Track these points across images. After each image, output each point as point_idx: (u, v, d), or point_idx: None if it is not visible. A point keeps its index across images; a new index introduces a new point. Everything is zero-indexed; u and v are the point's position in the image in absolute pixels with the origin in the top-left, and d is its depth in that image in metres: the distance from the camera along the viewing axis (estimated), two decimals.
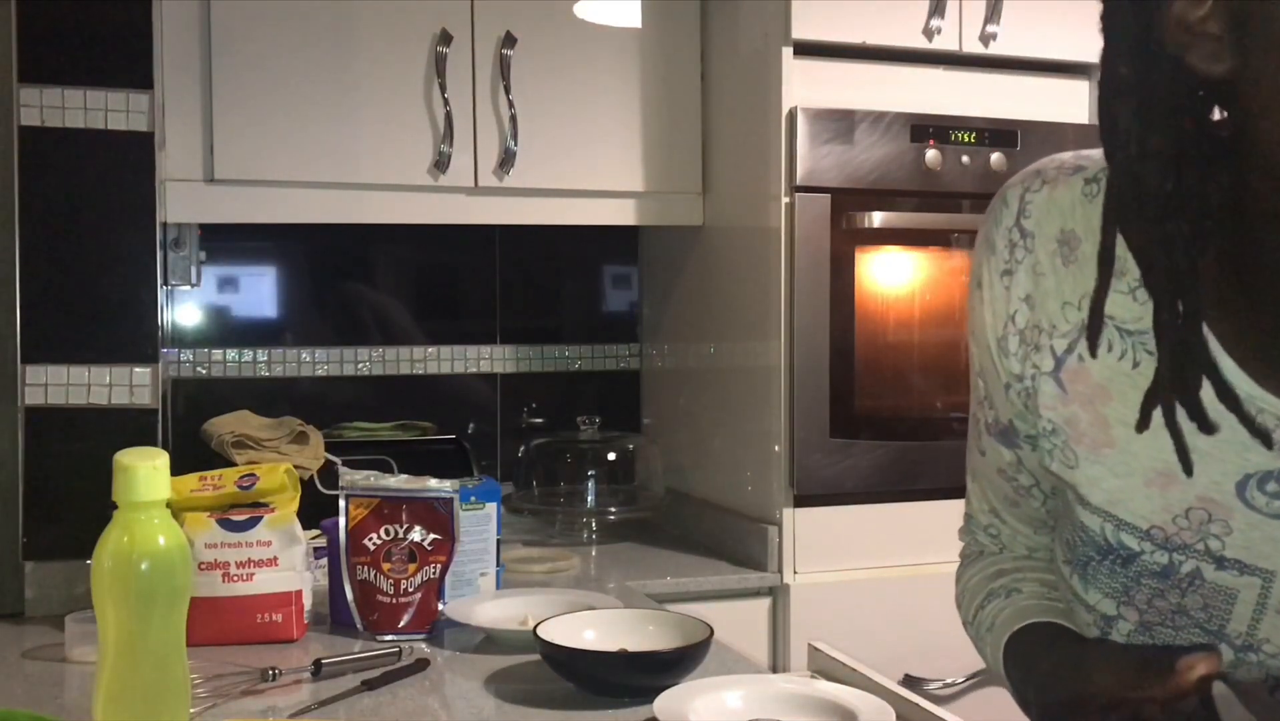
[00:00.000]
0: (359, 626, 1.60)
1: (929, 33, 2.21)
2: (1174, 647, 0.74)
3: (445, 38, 2.21)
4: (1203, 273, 0.71)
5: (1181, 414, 0.72)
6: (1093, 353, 0.77)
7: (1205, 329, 0.72)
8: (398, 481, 1.66)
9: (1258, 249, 0.72)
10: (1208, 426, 0.72)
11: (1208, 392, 0.71)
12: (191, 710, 1.17)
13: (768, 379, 2.18)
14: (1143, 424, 0.74)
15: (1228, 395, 0.71)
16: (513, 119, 2.25)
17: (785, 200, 2.13)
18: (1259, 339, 0.73)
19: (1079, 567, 0.85)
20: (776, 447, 2.15)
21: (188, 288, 2.39)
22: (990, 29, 2.24)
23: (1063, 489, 0.85)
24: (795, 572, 2.14)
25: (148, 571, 1.05)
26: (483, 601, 1.66)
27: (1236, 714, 0.71)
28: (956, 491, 2.46)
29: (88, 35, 1.80)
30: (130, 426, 1.80)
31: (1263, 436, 0.72)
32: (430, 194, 2.24)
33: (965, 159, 2.22)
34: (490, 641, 1.56)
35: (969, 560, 1.06)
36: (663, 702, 1.21)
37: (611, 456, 2.51)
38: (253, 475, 1.64)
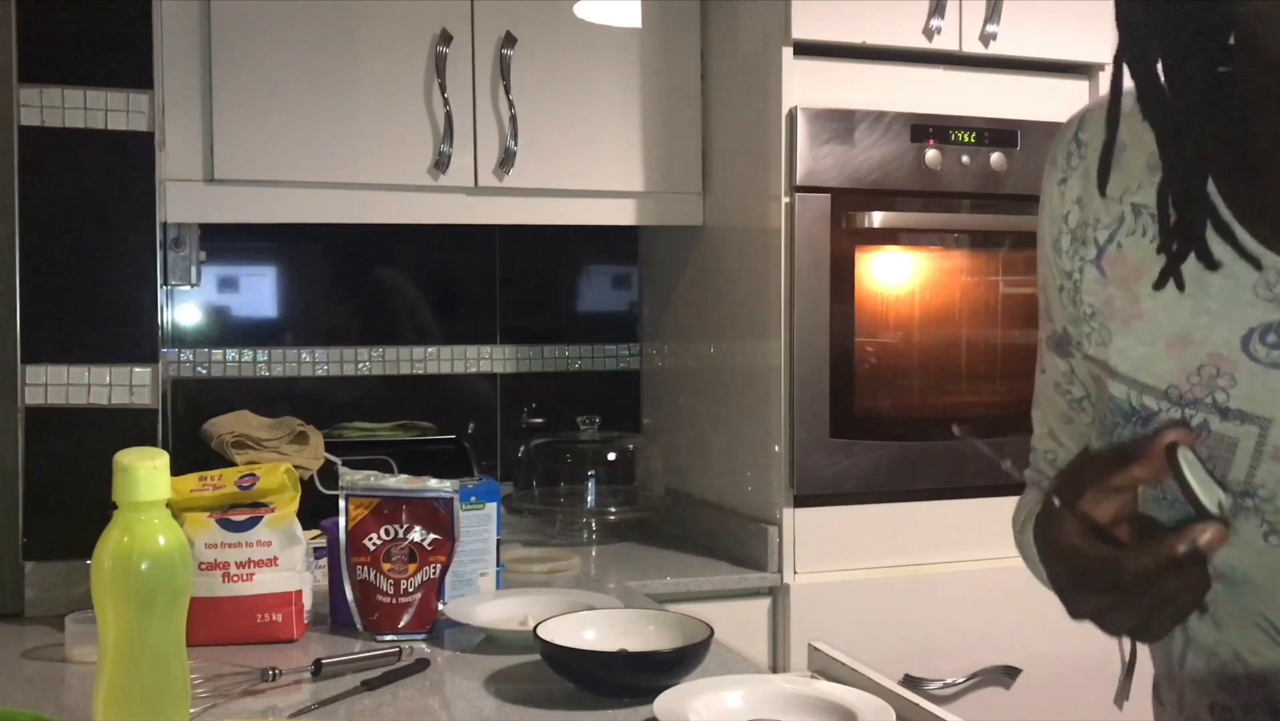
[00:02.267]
0: (359, 626, 1.60)
1: (929, 33, 2.21)
2: (1151, 433, 0.80)
3: (445, 38, 2.21)
4: (1208, 146, 0.81)
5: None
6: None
7: (1211, 189, 0.82)
8: (398, 481, 1.66)
9: (1255, 126, 0.82)
10: (1211, 263, 0.81)
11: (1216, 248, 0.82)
12: (191, 710, 1.17)
13: (768, 379, 2.19)
14: (1161, 281, 0.84)
15: (1225, 232, 0.81)
16: (513, 119, 2.25)
17: (785, 200, 2.13)
18: (1260, 205, 0.82)
19: (1105, 437, 0.91)
20: (776, 447, 2.15)
21: (188, 288, 2.39)
22: (990, 29, 2.24)
23: (1098, 374, 0.92)
24: (795, 572, 2.14)
25: (148, 571, 1.05)
26: (483, 601, 1.66)
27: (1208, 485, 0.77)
28: (957, 491, 2.48)
29: (88, 35, 1.80)
30: (130, 426, 1.80)
31: (1264, 279, 0.82)
32: (430, 194, 2.24)
33: (965, 159, 2.22)
34: (490, 641, 1.56)
35: (1029, 489, 1.11)
36: (663, 702, 1.21)
37: (611, 456, 2.51)
38: (253, 475, 1.64)
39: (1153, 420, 0.86)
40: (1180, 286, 0.83)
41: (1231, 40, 0.81)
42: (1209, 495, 0.76)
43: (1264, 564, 0.82)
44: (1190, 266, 0.83)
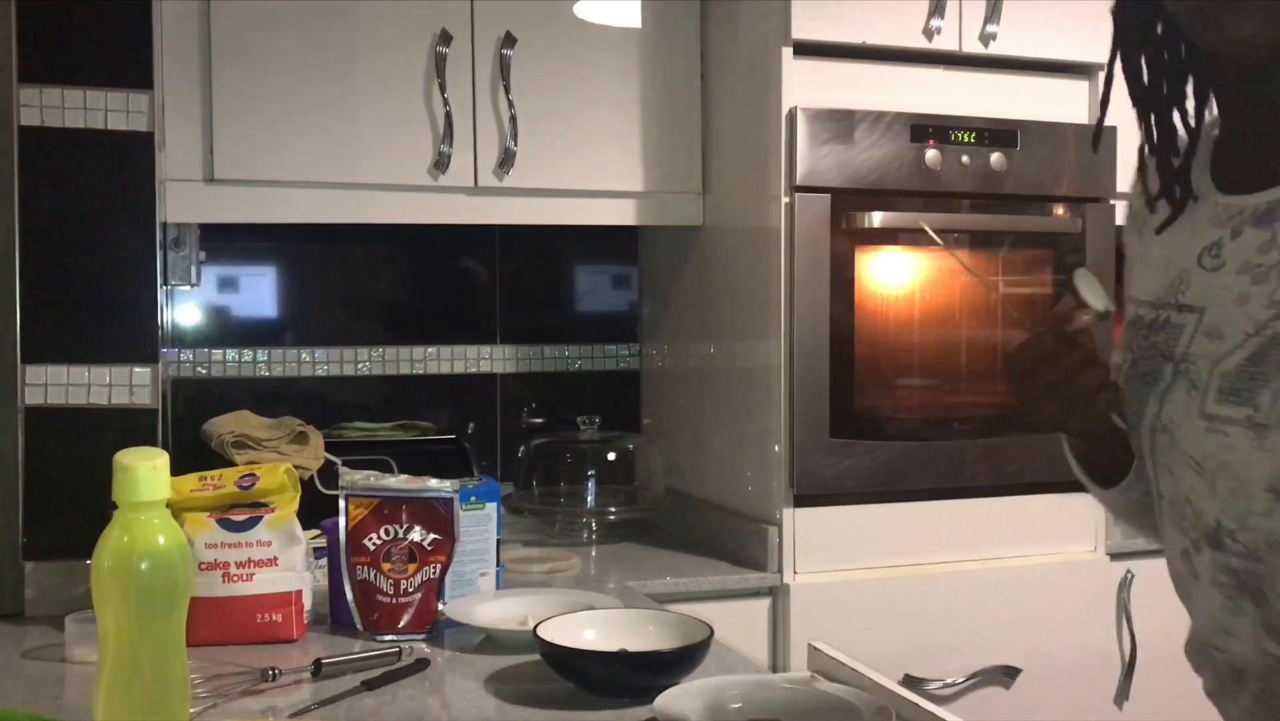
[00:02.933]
0: (359, 626, 1.60)
1: (929, 33, 2.21)
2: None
3: (445, 38, 2.21)
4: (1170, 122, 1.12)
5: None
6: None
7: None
8: (398, 481, 1.66)
9: (1204, 102, 1.13)
10: (1186, 198, 1.13)
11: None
12: (191, 710, 1.17)
13: (768, 379, 2.18)
14: (1151, 205, 1.15)
15: (1184, 180, 1.13)
16: (513, 119, 2.25)
17: (785, 200, 2.13)
18: (1229, 155, 1.12)
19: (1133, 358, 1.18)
20: (776, 448, 2.15)
21: (188, 288, 2.39)
22: (990, 29, 2.24)
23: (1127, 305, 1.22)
24: (795, 572, 2.14)
25: (148, 571, 1.05)
26: (483, 601, 1.66)
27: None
28: (956, 491, 2.48)
29: (88, 35, 1.80)
30: (130, 426, 1.80)
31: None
32: (430, 194, 2.24)
33: (965, 159, 2.22)
34: (490, 641, 1.56)
35: None
36: (663, 702, 1.21)
37: (611, 456, 2.51)
38: (253, 475, 1.64)
39: (1139, 322, 1.15)
40: (1173, 217, 1.13)
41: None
42: (1096, 298, 1.08)
43: (1188, 412, 1.07)
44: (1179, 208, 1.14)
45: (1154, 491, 1.12)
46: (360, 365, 2.59)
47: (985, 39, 2.25)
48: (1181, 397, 1.07)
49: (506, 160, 2.25)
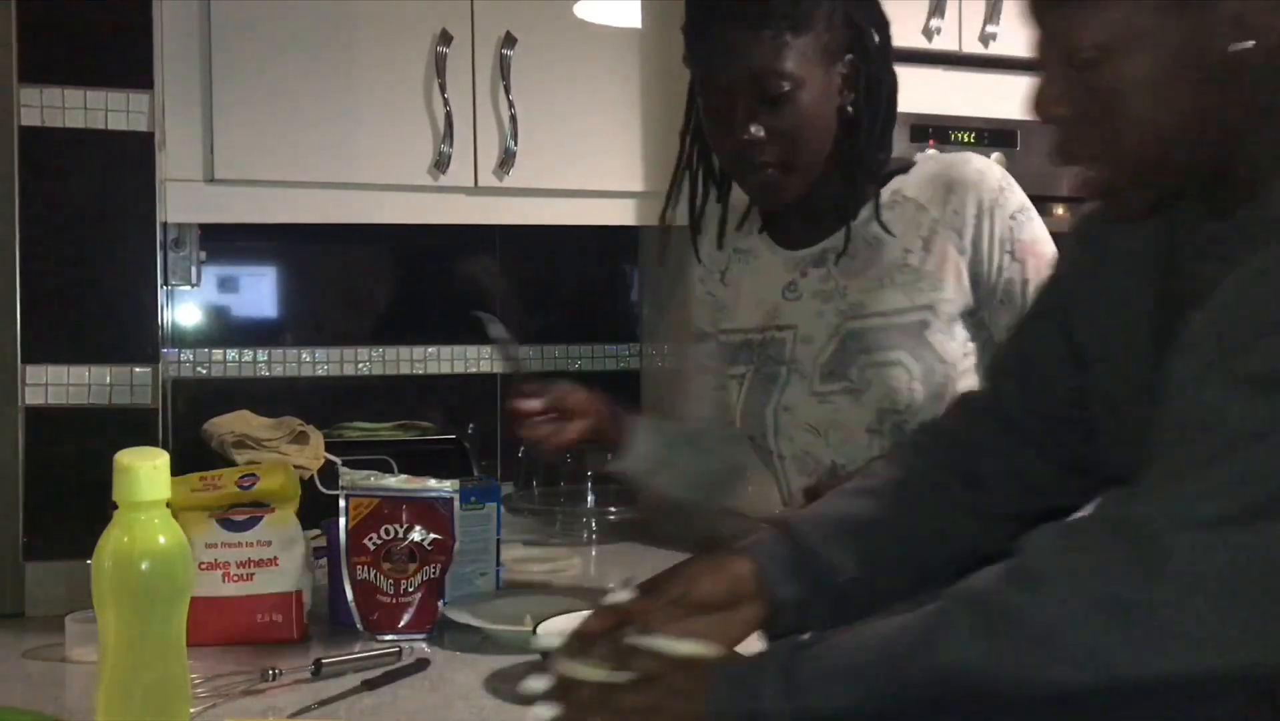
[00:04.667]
0: (359, 626, 1.60)
1: (929, 33, 2.21)
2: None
3: (445, 38, 2.21)
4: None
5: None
6: None
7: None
8: (398, 481, 1.66)
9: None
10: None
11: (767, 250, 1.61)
12: (191, 710, 1.17)
13: None
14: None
15: (744, 254, 1.64)
16: (513, 119, 2.25)
17: None
18: (776, 225, 1.60)
19: (725, 371, 1.67)
20: None
21: (188, 288, 2.39)
22: (990, 29, 2.24)
23: (722, 338, 1.68)
24: None
25: (148, 571, 1.05)
26: (483, 601, 1.66)
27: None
28: None
29: (88, 35, 1.80)
30: (130, 426, 1.80)
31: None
32: (430, 194, 2.24)
33: None
34: (490, 641, 1.55)
35: None
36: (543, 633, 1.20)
37: (612, 456, 2.51)
38: (253, 475, 1.63)
39: (750, 342, 1.58)
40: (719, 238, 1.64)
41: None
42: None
43: (801, 393, 1.53)
44: (754, 267, 1.61)
45: (774, 454, 1.59)
46: (360, 365, 2.59)
47: (985, 39, 2.25)
48: (796, 385, 1.53)
49: (506, 160, 2.25)
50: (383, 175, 2.21)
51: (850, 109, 1.46)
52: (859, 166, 1.48)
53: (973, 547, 1.13)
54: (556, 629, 1.39)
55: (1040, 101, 0.94)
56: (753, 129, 1.41)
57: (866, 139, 1.47)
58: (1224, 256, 0.91)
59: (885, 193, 1.51)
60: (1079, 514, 0.89)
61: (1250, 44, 0.86)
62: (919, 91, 2.21)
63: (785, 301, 1.56)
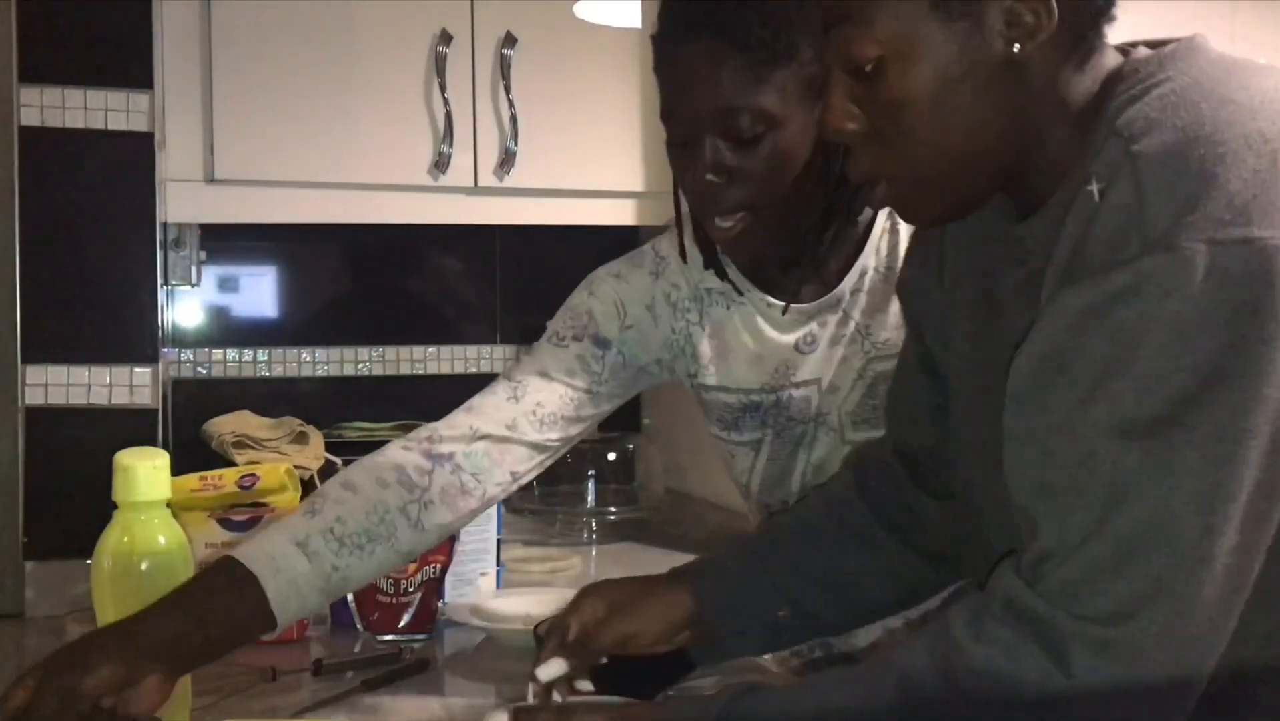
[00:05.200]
0: (359, 626, 1.60)
1: None
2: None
3: (445, 38, 2.21)
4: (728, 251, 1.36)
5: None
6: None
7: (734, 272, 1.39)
8: None
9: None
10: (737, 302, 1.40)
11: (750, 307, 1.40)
12: (191, 710, 1.17)
13: None
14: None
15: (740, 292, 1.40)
16: (513, 119, 2.25)
17: None
18: (767, 274, 1.38)
19: (720, 424, 1.50)
20: None
21: (188, 288, 2.38)
22: None
23: (704, 393, 1.51)
24: None
25: (148, 571, 1.06)
26: (483, 601, 1.66)
27: None
28: None
29: (88, 35, 1.80)
30: (130, 426, 1.80)
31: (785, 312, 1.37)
32: (430, 194, 2.24)
33: None
34: (490, 641, 1.55)
35: None
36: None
37: (611, 456, 2.51)
38: (253, 475, 1.63)
39: (761, 404, 1.40)
40: (737, 290, 1.40)
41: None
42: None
43: (832, 446, 1.37)
44: (754, 326, 1.39)
45: None
46: (360, 365, 2.59)
47: None
48: (824, 439, 1.38)
49: (506, 160, 2.25)
50: (383, 175, 2.21)
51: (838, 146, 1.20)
52: (852, 205, 1.29)
53: (907, 583, 1.21)
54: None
55: (829, 118, 0.93)
56: (710, 175, 1.21)
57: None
58: (1022, 260, 0.92)
59: (884, 215, 1.34)
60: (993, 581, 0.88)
61: (1018, 48, 0.86)
62: None
63: (799, 356, 1.37)
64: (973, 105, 0.88)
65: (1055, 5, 0.86)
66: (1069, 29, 0.88)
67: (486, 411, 1.44)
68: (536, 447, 1.41)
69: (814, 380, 1.37)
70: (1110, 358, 0.79)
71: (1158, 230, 0.77)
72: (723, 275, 1.38)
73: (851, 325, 1.35)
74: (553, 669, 1.13)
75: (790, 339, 1.37)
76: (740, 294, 1.38)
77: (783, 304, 1.36)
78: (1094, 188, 0.82)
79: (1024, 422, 0.86)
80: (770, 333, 1.38)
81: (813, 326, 1.36)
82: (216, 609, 1.08)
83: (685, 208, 1.35)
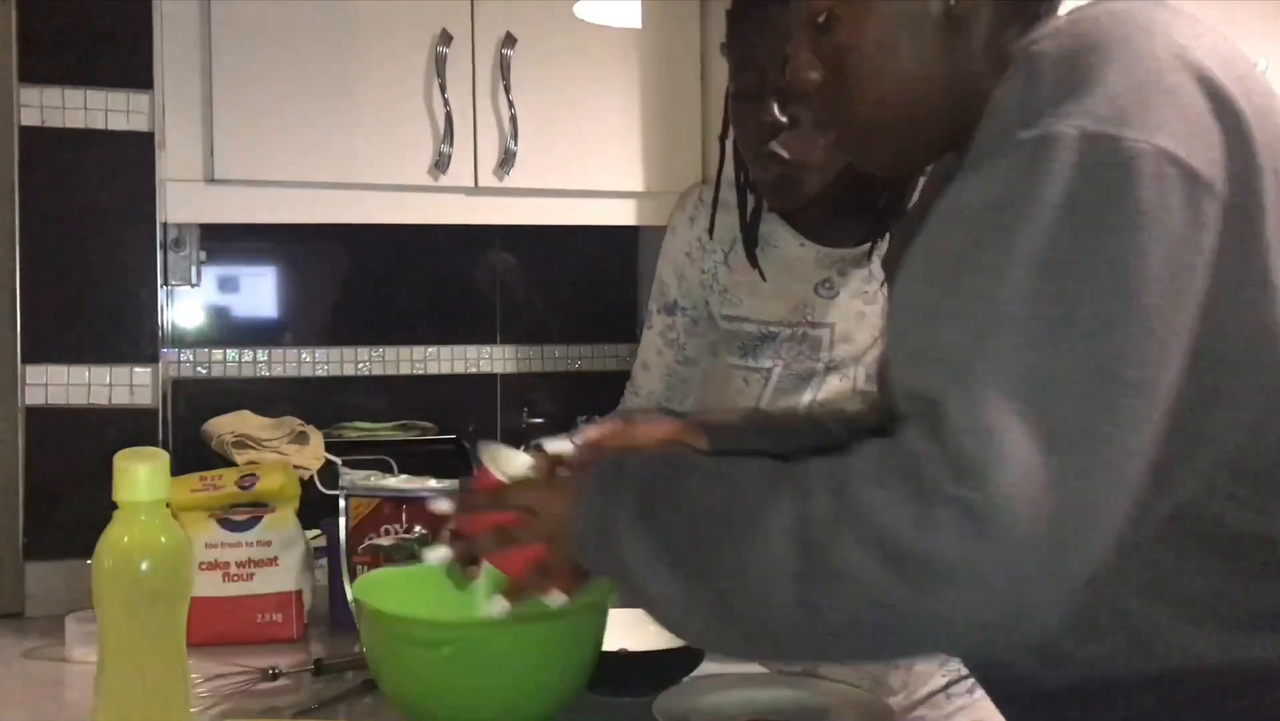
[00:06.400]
0: (359, 626, 1.60)
1: None
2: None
3: (445, 38, 2.21)
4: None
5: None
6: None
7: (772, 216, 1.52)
8: (398, 481, 1.66)
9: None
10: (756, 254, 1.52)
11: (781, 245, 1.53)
12: (191, 710, 1.17)
13: None
14: (755, 266, 1.54)
15: (767, 241, 1.53)
16: (513, 119, 2.25)
17: None
18: (798, 220, 1.51)
19: (739, 353, 1.59)
20: None
21: (188, 288, 2.39)
22: None
23: (728, 324, 1.62)
24: None
25: (148, 571, 1.05)
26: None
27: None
28: None
29: (88, 35, 1.80)
30: (130, 426, 1.80)
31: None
32: (430, 194, 2.24)
33: None
34: None
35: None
36: (662, 702, 1.21)
37: None
38: (253, 475, 1.63)
39: (777, 335, 1.52)
40: (763, 277, 1.52)
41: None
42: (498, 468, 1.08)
43: (842, 392, 1.47)
44: (776, 257, 1.52)
45: None
46: (360, 365, 2.59)
47: None
48: (835, 383, 1.50)
49: (506, 160, 2.25)
50: (383, 175, 2.21)
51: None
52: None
53: None
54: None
55: (795, 70, 0.99)
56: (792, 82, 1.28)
57: None
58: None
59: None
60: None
61: (954, 3, 0.92)
62: None
63: (818, 298, 1.50)
64: (913, 56, 0.94)
65: None
66: None
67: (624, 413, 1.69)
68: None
69: (828, 324, 1.50)
70: (981, 230, 0.81)
71: (1038, 113, 0.80)
72: (754, 226, 1.51)
73: (875, 283, 1.47)
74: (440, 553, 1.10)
75: (810, 281, 1.50)
76: (763, 230, 1.52)
77: (815, 245, 1.49)
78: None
79: (906, 297, 0.88)
80: (791, 269, 1.51)
81: (832, 274, 1.49)
82: None
83: (727, 173, 1.52)
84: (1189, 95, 0.81)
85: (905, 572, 0.76)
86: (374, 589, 1.25)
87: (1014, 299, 0.77)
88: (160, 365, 1.84)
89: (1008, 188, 0.80)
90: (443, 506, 1.10)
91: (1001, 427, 0.75)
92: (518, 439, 2.59)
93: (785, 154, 1.39)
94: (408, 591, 1.26)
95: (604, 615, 1.21)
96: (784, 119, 1.38)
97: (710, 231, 1.56)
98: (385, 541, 1.55)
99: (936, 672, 1.51)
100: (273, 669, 1.39)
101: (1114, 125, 0.78)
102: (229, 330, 2.54)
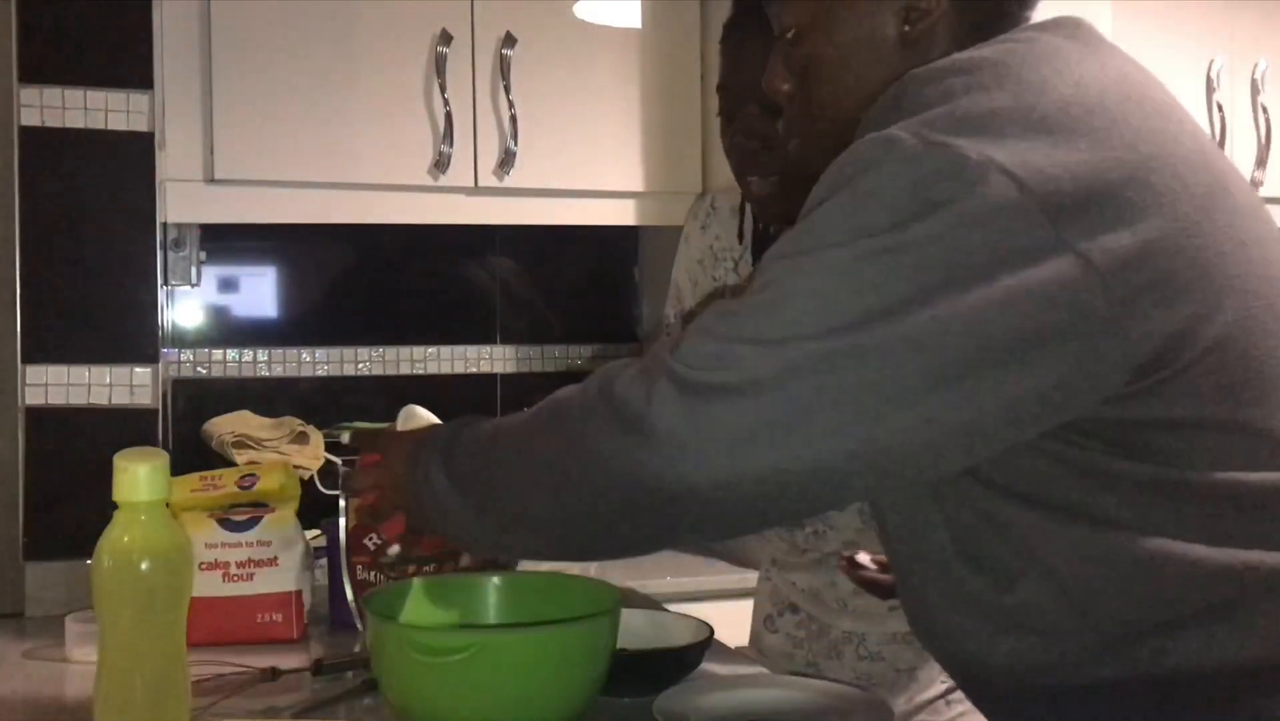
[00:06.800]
0: (359, 626, 1.60)
1: None
2: None
3: (445, 38, 2.21)
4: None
5: None
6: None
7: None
8: None
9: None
10: None
11: None
12: (191, 710, 1.17)
13: None
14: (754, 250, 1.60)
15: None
16: (513, 119, 2.25)
17: None
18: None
19: None
20: None
21: (188, 288, 2.39)
22: None
23: None
24: None
25: (148, 571, 1.05)
26: None
27: None
28: None
29: (88, 35, 1.80)
30: (130, 426, 1.80)
31: None
32: (430, 194, 2.24)
33: None
34: None
35: None
36: (662, 702, 1.21)
37: None
38: (253, 475, 1.63)
39: None
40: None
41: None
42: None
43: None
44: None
45: None
46: (360, 365, 2.59)
47: None
48: None
49: (506, 160, 2.25)
50: (383, 175, 2.21)
51: None
52: None
53: None
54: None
55: (769, 79, 1.06)
56: (758, 107, 1.38)
57: None
58: None
59: None
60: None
61: (908, 28, 0.98)
62: None
63: None
64: (871, 74, 0.99)
65: None
66: (967, 17, 0.97)
67: None
68: None
69: None
70: (814, 201, 0.89)
71: (888, 125, 0.88)
72: (764, 233, 1.55)
73: None
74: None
75: None
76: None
77: None
78: None
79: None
80: None
81: None
82: None
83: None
84: (1044, 118, 0.85)
85: (631, 429, 0.87)
86: (382, 601, 1.25)
87: (805, 273, 0.86)
88: (160, 365, 1.84)
89: (840, 179, 0.88)
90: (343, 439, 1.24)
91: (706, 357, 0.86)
92: None
93: (751, 186, 1.44)
94: (415, 602, 1.27)
95: (615, 626, 1.21)
96: (751, 144, 1.41)
97: (740, 236, 1.60)
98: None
99: (937, 680, 1.51)
100: (273, 669, 1.39)
101: (947, 135, 0.84)
102: (229, 330, 2.54)
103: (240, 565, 1.56)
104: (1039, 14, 1.00)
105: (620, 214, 2.40)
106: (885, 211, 0.84)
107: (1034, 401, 0.83)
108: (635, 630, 1.44)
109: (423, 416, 1.23)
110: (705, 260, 1.64)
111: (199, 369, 2.48)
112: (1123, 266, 0.81)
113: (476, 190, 2.27)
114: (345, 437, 1.22)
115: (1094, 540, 0.87)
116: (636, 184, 2.38)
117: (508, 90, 2.25)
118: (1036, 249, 0.81)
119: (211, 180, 2.11)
